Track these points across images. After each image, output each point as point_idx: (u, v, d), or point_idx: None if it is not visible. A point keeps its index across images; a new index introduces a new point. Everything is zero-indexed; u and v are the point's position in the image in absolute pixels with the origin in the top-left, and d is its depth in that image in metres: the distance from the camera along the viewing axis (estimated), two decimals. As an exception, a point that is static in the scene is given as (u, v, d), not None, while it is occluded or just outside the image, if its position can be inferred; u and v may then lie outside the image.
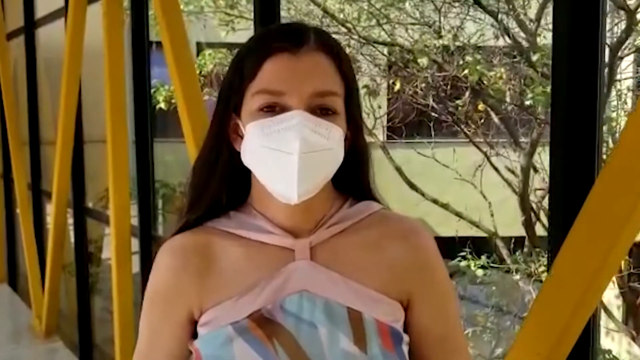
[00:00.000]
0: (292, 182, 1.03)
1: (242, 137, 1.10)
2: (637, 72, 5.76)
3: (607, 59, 4.91)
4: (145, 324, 1.18)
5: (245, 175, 1.13)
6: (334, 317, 1.08)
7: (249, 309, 1.09)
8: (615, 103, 5.48)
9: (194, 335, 1.15)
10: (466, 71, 5.72)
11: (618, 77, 5.48)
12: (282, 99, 1.06)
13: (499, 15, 5.68)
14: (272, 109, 1.06)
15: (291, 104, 1.05)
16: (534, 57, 5.35)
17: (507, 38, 5.68)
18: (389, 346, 1.09)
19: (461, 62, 5.89)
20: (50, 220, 5.64)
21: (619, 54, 5.12)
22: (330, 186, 1.13)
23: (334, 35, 1.20)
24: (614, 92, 5.38)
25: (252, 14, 2.93)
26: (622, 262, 5.02)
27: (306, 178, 1.04)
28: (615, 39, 5.07)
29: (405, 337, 1.13)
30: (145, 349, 1.19)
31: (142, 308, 1.18)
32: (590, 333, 1.61)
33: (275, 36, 1.10)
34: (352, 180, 1.15)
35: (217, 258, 1.13)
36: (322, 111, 1.06)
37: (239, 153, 1.11)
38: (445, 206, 6.19)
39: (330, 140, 1.06)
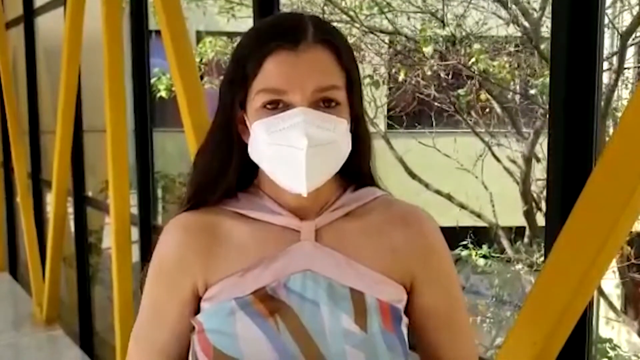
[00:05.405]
0: (301, 177, 1.06)
1: (248, 129, 1.12)
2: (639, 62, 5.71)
3: (617, 47, 4.87)
4: (149, 299, 1.19)
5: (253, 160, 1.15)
6: (336, 297, 1.11)
7: (254, 286, 1.11)
8: (618, 93, 5.43)
9: (197, 311, 1.16)
10: (472, 60, 5.68)
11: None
12: (285, 96, 1.08)
13: (509, 3, 5.63)
14: (276, 105, 1.08)
15: (294, 101, 1.07)
16: (541, 46, 5.29)
17: (515, 27, 5.63)
18: (389, 326, 1.12)
19: (466, 51, 5.85)
20: (50, 209, 5.65)
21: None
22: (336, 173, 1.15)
23: (336, 24, 1.20)
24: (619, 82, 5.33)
25: (252, 1, 2.91)
26: (623, 252, 5.00)
27: (314, 173, 1.07)
28: (624, 27, 5.01)
29: (405, 319, 1.16)
30: (147, 324, 1.20)
31: (146, 282, 1.19)
32: (586, 322, 1.60)
33: (273, 34, 1.10)
34: (353, 167, 1.17)
35: (223, 236, 1.15)
36: (325, 103, 1.08)
37: (246, 143, 1.14)
38: (446, 196, 6.18)
39: (337, 132, 1.08)
